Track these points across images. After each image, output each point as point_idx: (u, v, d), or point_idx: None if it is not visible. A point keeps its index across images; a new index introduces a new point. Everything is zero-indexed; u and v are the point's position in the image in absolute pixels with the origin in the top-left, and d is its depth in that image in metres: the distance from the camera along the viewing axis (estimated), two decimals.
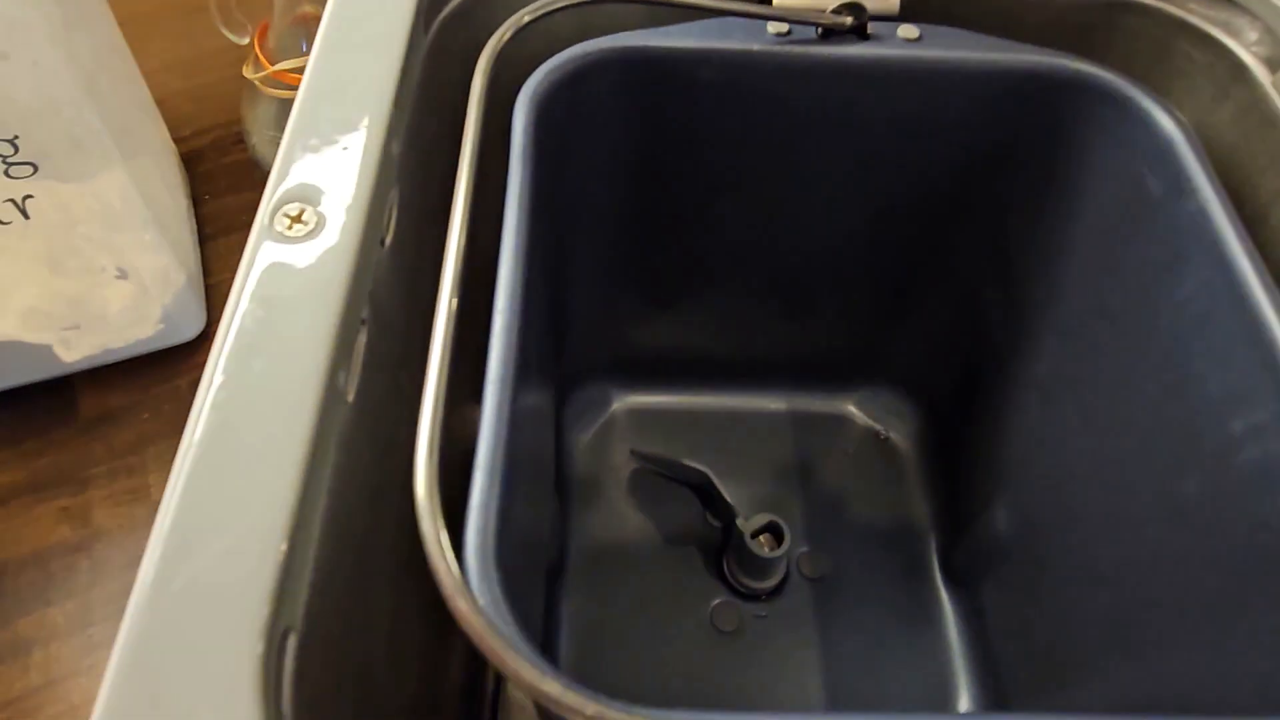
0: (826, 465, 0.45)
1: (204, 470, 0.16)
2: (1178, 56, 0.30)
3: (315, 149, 0.22)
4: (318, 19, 0.59)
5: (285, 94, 0.58)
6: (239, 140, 0.70)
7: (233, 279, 0.69)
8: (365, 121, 0.22)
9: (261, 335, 0.18)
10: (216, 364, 0.18)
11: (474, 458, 0.18)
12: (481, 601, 0.16)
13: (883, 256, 0.37)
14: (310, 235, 0.20)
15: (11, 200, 0.45)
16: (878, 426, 0.46)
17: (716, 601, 0.40)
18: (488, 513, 0.17)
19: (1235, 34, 0.29)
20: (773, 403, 0.46)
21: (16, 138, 0.42)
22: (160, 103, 0.63)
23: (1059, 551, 0.32)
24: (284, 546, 0.16)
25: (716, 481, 0.38)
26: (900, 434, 0.45)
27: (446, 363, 0.19)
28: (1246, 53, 0.28)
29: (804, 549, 0.42)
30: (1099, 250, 0.29)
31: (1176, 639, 0.25)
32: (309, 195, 0.20)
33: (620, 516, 0.43)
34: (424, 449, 0.16)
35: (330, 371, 0.18)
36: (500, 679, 0.38)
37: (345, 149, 0.21)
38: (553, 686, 0.14)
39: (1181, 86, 0.31)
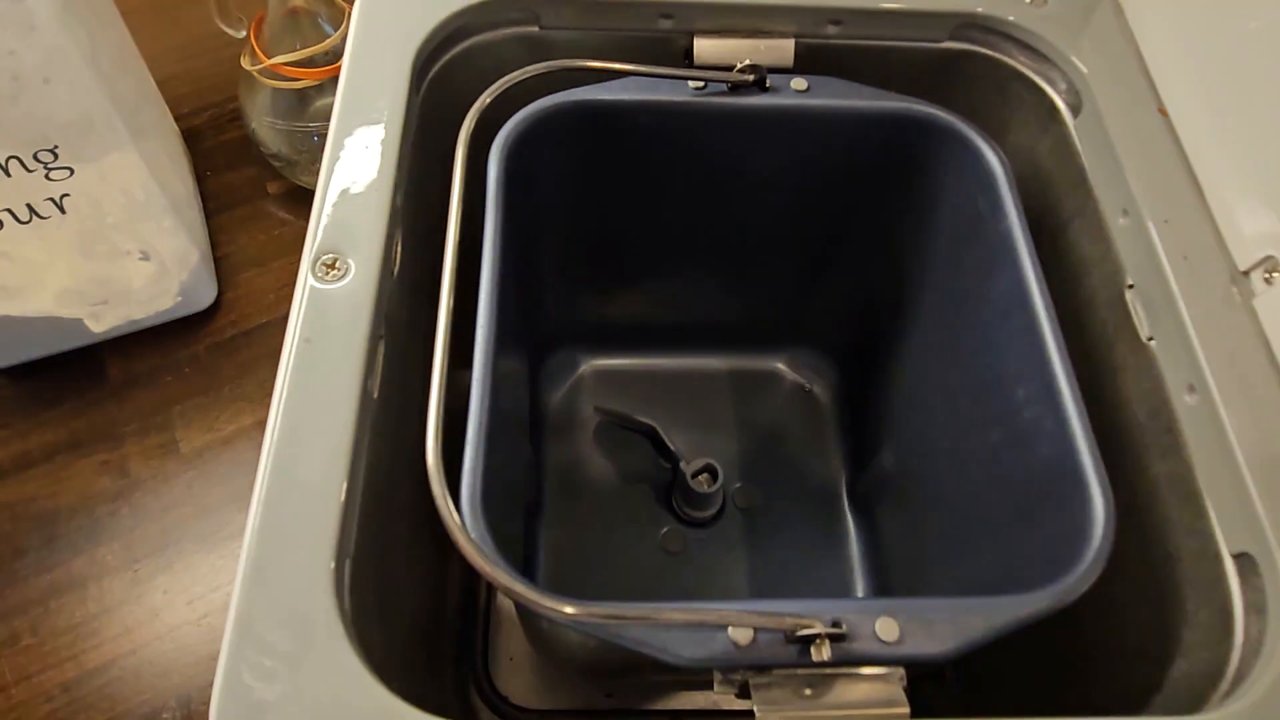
0: (760, 413, 0.54)
1: (282, 457, 0.24)
2: (1012, 96, 0.38)
3: (341, 210, 0.29)
4: (309, 12, 0.64)
5: (282, 85, 0.63)
6: (235, 118, 0.75)
7: (238, 251, 0.76)
8: (376, 182, 0.30)
9: (313, 358, 0.26)
10: (284, 380, 0.26)
11: (466, 423, 0.26)
12: (474, 535, 0.24)
13: (798, 245, 0.45)
14: (342, 278, 0.27)
15: (51, 199, 0.52)
16: (803, 380, 0.54)
17: (665, 529, 0.49)
18: (475, 475, 0.25)
19: (1051, 83, 0.36)
20: (715, 362, 0.55)
21: (56, 147, 0.49)
22: (159, 84, 0.67)
23: (921, 482, 0.41)
24: (341, 504, 0.24)
25: (663, 433, 0.47)
26: (821, 387, 0.54)
27: (445, 364, 0.26)
28: (1059, 98, 0.36)
29: (738, 484, 0.51)
30: (947, 252, 0.37)
31: (991, 543, 0.35)
32: (339, 247, 0.28)
33: (587, 461, 0.51)
34: (431, 437, 0.24)
35: (363, 381, 0.26)
36: (491, 594, 0.47)
37: (362, 208, 0.29)
38: (521, 587, 0.22)
39: (1017, 119, 0.38)
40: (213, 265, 0.67)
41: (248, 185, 0.74)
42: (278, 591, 0.23)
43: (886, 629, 0.25)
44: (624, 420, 0.49)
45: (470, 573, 0.46)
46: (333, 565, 0.23)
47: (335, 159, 0.30)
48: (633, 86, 0.35)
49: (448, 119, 0.34)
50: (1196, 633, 0.28)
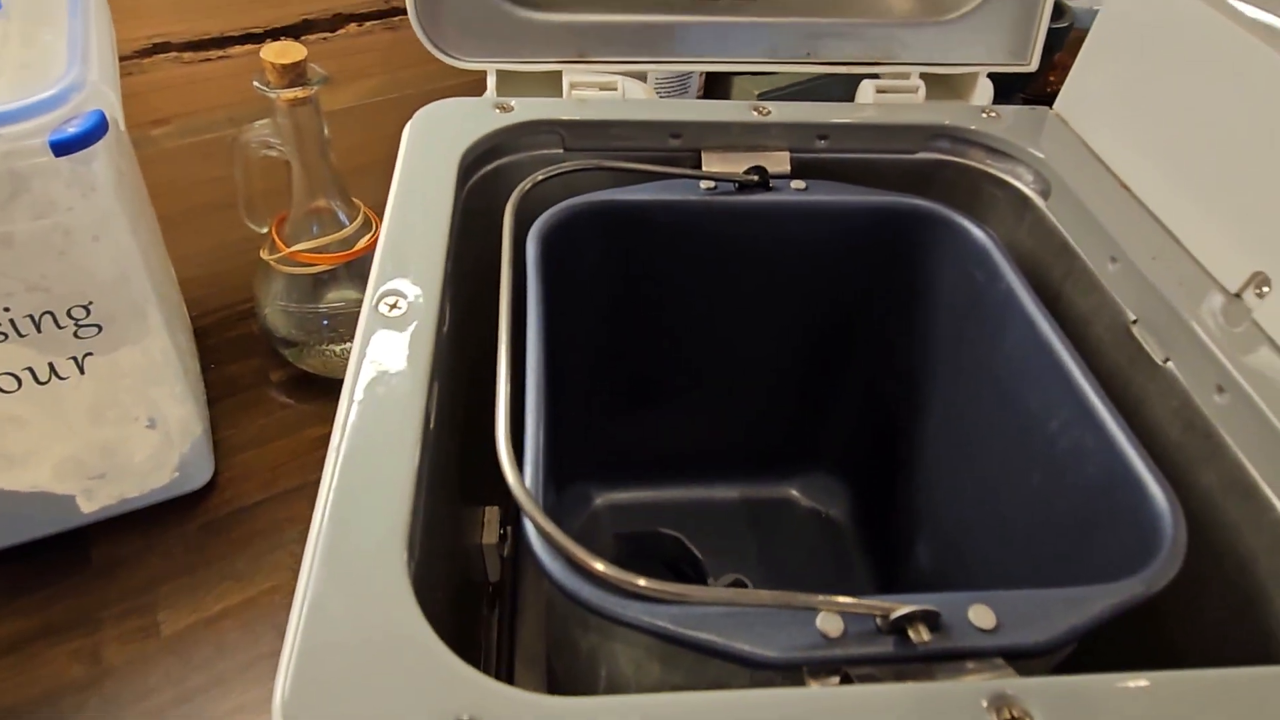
0: (777, 541, 0.53)
1: (349, 473, 0.24)
2: (986, 194, 0.43)
3: (399, 259, 0.31)
4: (330, 210, 0.70)
5: (296, 270, 0.67)
6: (244, 317, 0.78)
7: (238, 434, 0.75)
8: (432, 242, 0.32)
9: (379, 385, 0.26)
10: (351, 398, 0.26)
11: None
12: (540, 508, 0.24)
13: (800, 359, 0.48)
14: (404, 317, 0.29)
15: (73, 358, 0.53)
16: (818, 506, 0.54)
17: None
18: (537, 445, 0.25)
19: (1019, 178, 0.42)
20: (729, 492, 0.54)
21: (91, 304, 0.50)
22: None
23: (961, 568, 0.40)
24: (407, 519, 0.24)
25: (689, 543, 0.46)
26: (838, 510, 0.54)
27: (509, 377, 0.27)
28: (1028, 189, 0.41)
29: None
30: (949, 326, 0.40)
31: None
32: (399, 289, 0.30)
33: None
34: (503, 401, 0.24)
35: (425, 410, 0.26)
36: (514, 643, 0.43)
37: (419, 260, 0.31)
38: (601, 563, 0.22)
39: (993, 214, 0.43)
40: (211, 444, 0.67)
41: (251, 374, 0.76)
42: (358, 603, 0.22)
43: (981, 616, 0.24)
44: (647, 538, 0.48)
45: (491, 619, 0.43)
46: (407, 573, 0.22)
47: (393, 228, 0.32)
48: (651, 188, 0.39)
49: (482, 226, 0.37)
50: None
